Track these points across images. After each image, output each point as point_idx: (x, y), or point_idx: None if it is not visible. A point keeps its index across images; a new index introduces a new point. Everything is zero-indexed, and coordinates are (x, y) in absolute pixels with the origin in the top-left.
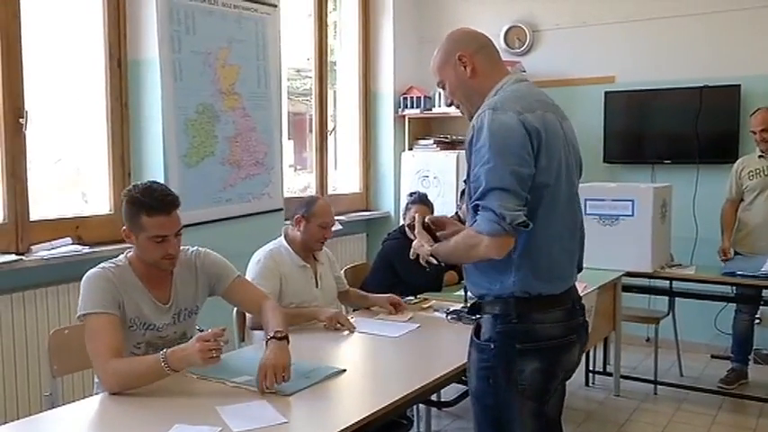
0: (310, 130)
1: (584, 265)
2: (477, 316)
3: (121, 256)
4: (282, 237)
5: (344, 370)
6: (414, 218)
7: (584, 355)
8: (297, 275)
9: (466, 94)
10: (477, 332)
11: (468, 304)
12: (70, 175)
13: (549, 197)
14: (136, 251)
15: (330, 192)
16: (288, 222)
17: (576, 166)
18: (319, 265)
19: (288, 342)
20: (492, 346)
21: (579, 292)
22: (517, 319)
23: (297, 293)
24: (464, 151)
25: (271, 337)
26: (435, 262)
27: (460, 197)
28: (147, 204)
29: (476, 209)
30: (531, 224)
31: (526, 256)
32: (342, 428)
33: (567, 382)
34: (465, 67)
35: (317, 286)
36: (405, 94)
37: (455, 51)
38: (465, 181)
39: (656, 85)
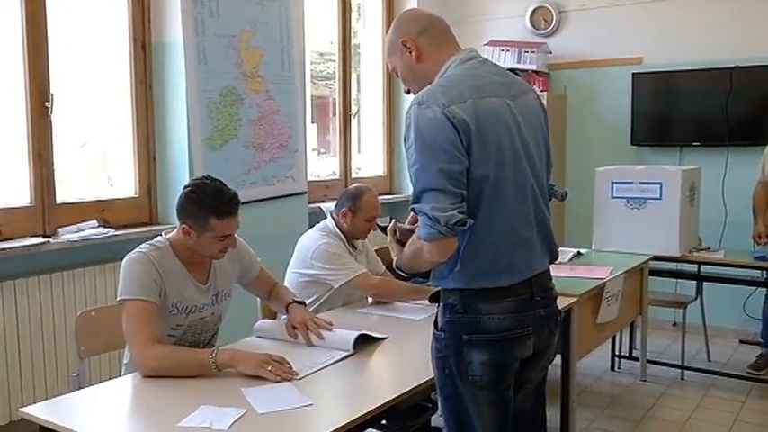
0: (334, 114)
1: (612, 249)
2: (438, 304)
3: (161, 238)
4: (330, 221)
5: (353, 353)
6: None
7: (612, 340)
8: None
9: (416, 80)
10: (435, 321)
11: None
12: (96, 158)
13: (490, 189)
14: (182, 237)
15: (354, 175)
16: (311, 205)
17: (536, 147)
18: (358, 253)
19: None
20: (443, 336)
21: (551, 281)
22: (463, 309)
23: None
24: None
25: (291, 303)
26: (404, 275)
27: None
28: (218, 208)
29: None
30: (471, 221)
31: (469, 250)
32: (367, 411)
33: (592, 367)
34: (410, 53)
35: None
36: None
37: (399, 37)
38: None
39: (685, 66)
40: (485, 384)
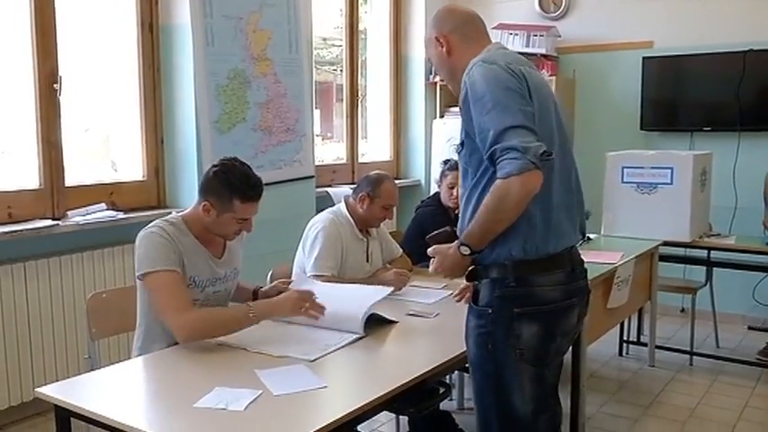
0: (337, 99)
1: (621, 234)
2: (475, 282)
3: (174, 214)
4: (344, 205)
5: (363, 336)
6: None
7: (621, 325)
8: (354, 248)
9: (447, 71)
10: (475, 298)
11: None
12: (100, 143)
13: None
14: (198, 213)
15: (360, 160)
16: (318, 189)
17: (565, 127)
18: (372, 240)
19: None
20: (489, 311)
21: (581, 256)
22: (515, 282)
23: (351, 267)
24: None
25: (257, 288)
26: (468, 252)
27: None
28: (244, 191)
29: (491, 158)
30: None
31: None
32: (382, 393)
33: (600, 352)
34: (442, 47)
35: (367, 261)
36: None
37: (432, 33)
38: (457, 148)
39: (697, 49)
40: (529, 359)
